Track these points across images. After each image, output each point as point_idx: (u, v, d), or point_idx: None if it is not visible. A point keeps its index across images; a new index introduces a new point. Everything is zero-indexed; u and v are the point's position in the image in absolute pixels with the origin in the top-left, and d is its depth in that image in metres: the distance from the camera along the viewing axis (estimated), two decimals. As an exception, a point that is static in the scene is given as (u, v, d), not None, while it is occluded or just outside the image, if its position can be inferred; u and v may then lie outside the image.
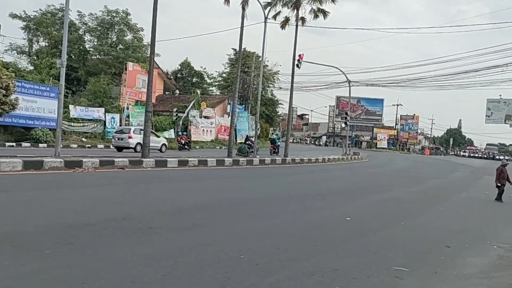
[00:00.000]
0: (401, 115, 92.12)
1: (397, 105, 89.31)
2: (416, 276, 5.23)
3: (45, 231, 5.85)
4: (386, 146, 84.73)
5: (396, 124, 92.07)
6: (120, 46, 45.50)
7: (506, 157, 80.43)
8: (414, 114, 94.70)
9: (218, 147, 39.46)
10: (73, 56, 43.28)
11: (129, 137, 25.80)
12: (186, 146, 32.30)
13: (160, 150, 27.51)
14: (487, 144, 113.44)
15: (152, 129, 30.34)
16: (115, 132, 27.74)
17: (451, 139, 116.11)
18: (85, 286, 3.95)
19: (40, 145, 27.06)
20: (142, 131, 23.81)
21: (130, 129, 27.09)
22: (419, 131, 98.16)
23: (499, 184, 14.37)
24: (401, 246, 6.85)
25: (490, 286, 5.19)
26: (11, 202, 7.93)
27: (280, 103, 62.53)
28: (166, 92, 51.10)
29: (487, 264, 6.24)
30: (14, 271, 4.22)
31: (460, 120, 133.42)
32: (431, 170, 30.45)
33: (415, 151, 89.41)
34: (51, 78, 34.11)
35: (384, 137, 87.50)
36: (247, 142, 30.09)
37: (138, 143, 23.91)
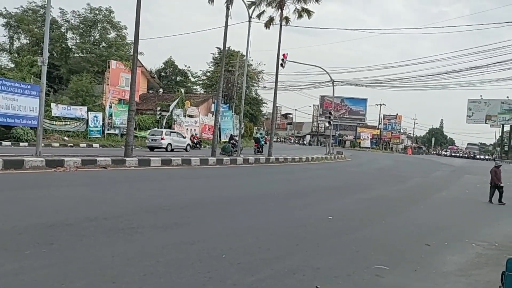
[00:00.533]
0: (384, 115, 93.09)
1: (380, 104, 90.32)
2: (396, 274, 5.31)
3: (25, 231, 5.77)
4: (369, 146, 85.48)
5: (379, 123, 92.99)
6: (103, 44, 45.02)
7: (487, 157, 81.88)
8: (397, 114, 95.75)
9: (202, 146, 39.36)
10: (55, 54, 42.70)
11: (162, 139, 28.85)
12: (197, 145, 34.61)
13: (186, 149, 30.34)
14: (468, 144, 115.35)
15: (135, 128, 30.19)
16: (149, 134, 30.56)
17: (433, 139, 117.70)
18: (65, 286, 3.93)
19: (21, 144, 26.63)
20: (172, 133, 30.22)
21: (162, 131, 30.15)
22: (401, 131, 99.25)
23: (502, 184, 14.22)
24: (382, 244, 6.94)
25: (468, 284, 5.29)
26: (-10, 202, 7.80)
27: (265, 102, 62.61)
28: (150, 91, 50.73)
29: (465, 262, 6.36)
30: (-8, 272, 4.16)
31: (442, 120, 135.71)
32: (413, 169, 30.83)
33: (398, 150, 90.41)
34: (32, 76, 33.57)
35: (368, 137, 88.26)
36: (231, 141, 30.06)
37: (169, 144, 28.79)
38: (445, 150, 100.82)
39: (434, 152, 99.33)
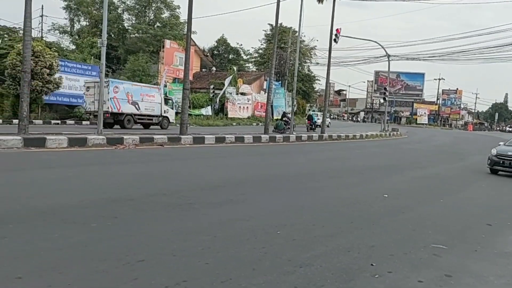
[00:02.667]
0: (443, 90, 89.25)
1: (439, 79, 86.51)
2: (454, 254, 5.18)
3: (90, 206, 6.12)
4: (426, 122, 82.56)
5: (437, 99, 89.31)
6: (158, 24, 45.99)
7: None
8: (457, 89, 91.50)
9: (255, 124, 39.58)
10: (112, 35, 44.14)
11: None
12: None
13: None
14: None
15: (190, 106, 30.75)
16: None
17: (497, 114, 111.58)
18: (129, 257, 4.15)
19: (83, 122, 27.97)
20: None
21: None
22: (462, 106, 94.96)
23: None
24: (439, 223, 6.76)
25: (532, 265, 5.07)
26: (58, 178, 8.32)
27: (317, 79, 61.87)
28: (203, 69, 51.45)
29: (530, 243, 6.09)
30: (64, 243, 4.47)
31: (507, 94, 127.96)
32: (473, 147, 29.53)
33: (458, 126, 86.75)
34: (92, 57, 35.02)
35: (425, 113, 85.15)
36: (283, 119, 30.04)
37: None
38: (509, 126, 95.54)
39: (498, 128, 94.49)
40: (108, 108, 22.90)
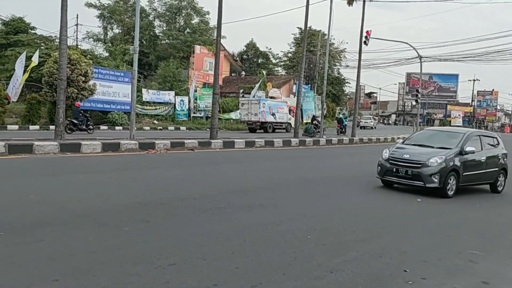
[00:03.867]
0: (478, 91, 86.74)
1: (474, 80, 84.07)
2: (491, 260, 5.02)
3: (124, 209, 6.25)
4: (461, 124, 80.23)
5: (472, 100, 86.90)
6: (188, 30, 46.57)
7: None
8: (493, 90, 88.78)
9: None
10: (144, 42, 44.96)
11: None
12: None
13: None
14: None
15: (220, 110, 31.04)
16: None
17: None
18: (161, 261, 4.21)
19: (116, 127, 28.57)
20: None
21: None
22: (498, 108, 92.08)
23: None
24: (475, 229, 6.58)
25: None
26: (92, 182, 8.52)
27: (347, 82, 61.29)
28: (232, 74, 51.74)
29: None
30: (98, 246, 4.58)
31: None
32: (510, 149, 28.53)
33: (494, 128, 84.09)
34: (125, 63, 35.76)
35: (459, 114, 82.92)
36: (313, 122, 29.87)
37: None
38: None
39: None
40: (259, 118, 31.26)
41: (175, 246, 4.73)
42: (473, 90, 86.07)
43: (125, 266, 4.07)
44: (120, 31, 47.56)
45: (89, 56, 30.55)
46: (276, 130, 33.00)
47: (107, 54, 43.16)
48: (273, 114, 33.10)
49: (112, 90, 30.25)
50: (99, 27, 48.37)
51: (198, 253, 4.54)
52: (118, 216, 5.87)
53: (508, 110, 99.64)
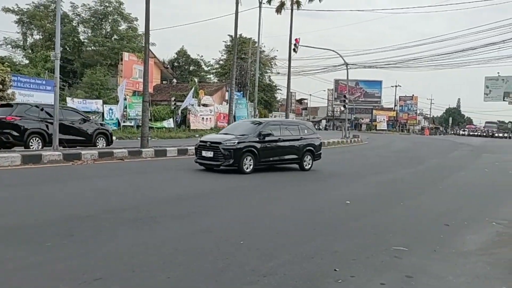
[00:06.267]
0: (400, 96, 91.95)
1: (396, 86, 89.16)
2: (415, 255, 5.27)
3: (46, 224, 5.88)
4: (385, 128, 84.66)
5: (395, 105, 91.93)
6: (115, 36, 45.23)
7: (505, 134, 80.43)
8: (413, 95, 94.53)
9: (218, 135, 39.52)
10: (67, 48, 43.07)
11: None
12: None
13: None
14: (486, 122, 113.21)
15: (151, 119, 30.34)
16: None
17: (450, 119, 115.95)
18: (86, 276, 3.99)
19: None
20: None
21: None
22: (418, 112, 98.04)
23: None
24: (400, 226, 6.90)
25: (489, 263, 5.23)
26: (11, 197, 7.95)
27: (279, 89, 62.40)
28: (164, 82, 50.92)
29: (486, 241, 6.29)
30: (18, 264, 4.27)
31: (459, 99, 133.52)
32: (431, 150, 30.48)
33: (415, 131, 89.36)
34: (47, 71, 33.98)
35: (384, 119, 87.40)
36: (246, 129, 30.07)
37: None
38: (463, 129, 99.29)
39: (452, 132, 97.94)
40: None
41: (102, 260, 4.51)
42: (395, 96, 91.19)
43: (46, 284, 3.81)
44: (41, 37, 45.16)
45: (6, 63, 28.68)
46: None
47: (27, 61, 40.84)
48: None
49: (33, 99, 28.56)
50: (18, 32, 45.66)
51: (127, 265, 4.36)
52: (40, 231, 5.52)
53: (427, 114, 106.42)
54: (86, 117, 18.08)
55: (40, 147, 15.37)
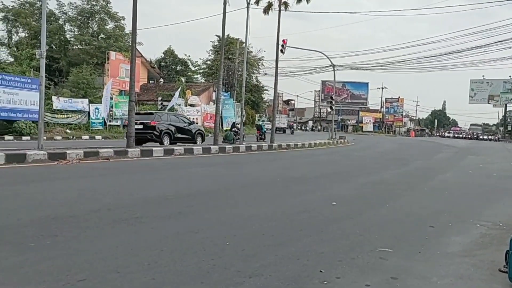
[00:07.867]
0: (386, 98, 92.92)
1: (382, 88, 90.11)
2: (400, 256, 5.30)
3: (29, 224, 5.79)
4: (372, 129, 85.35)
5: (381, 107, 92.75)
6: (102, 35, 44.87)
7: (490, 137, 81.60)
8: (399, 97, 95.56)
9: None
10: (53, 47, 42.60)
11: None
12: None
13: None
14: (471, 125, 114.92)
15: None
16: None
17: (436, 121, 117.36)
18: (69, 277, 3.94)
19: (24, 137, 26.68)
20: None
21: None
22: (404, 114, 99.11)
23: None
24: (386, 227, 6.93)
25: (473, 264, 5.28)
26: (-6, 196, 7.82)
27: (266, 89, 62.46)
28: (151, 81, 50.66)
29: (470, 243, 6.35)
30: (-3, 265, 4.18)
31: (444, 101, 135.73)
32: (416, 152, 30.78)
33: (401, 133, 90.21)
34: (32, 69, 33.53)
35: (370, 120, 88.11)
36: (233, 129, 30.03)
37: None
38: (448, 131, 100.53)
39: (437, 134, 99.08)
40: None
41: (86, 261, 4.45)
42: (381, 97, 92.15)
43: (28, 286, 3.74)
44: (27, 35, 44.57)
45: (-10, 61, 28.25)
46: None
47: (12, 60, 40.28)
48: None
49: (18, 97, 28.21)
50: (3, 30, 45.02)
51: (111, 266, 4.31)
52: (23, 231, 5.43)
53: (413, 116, 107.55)
54: (191, 121, 25.38)
55: (168, 143, 21.46)
